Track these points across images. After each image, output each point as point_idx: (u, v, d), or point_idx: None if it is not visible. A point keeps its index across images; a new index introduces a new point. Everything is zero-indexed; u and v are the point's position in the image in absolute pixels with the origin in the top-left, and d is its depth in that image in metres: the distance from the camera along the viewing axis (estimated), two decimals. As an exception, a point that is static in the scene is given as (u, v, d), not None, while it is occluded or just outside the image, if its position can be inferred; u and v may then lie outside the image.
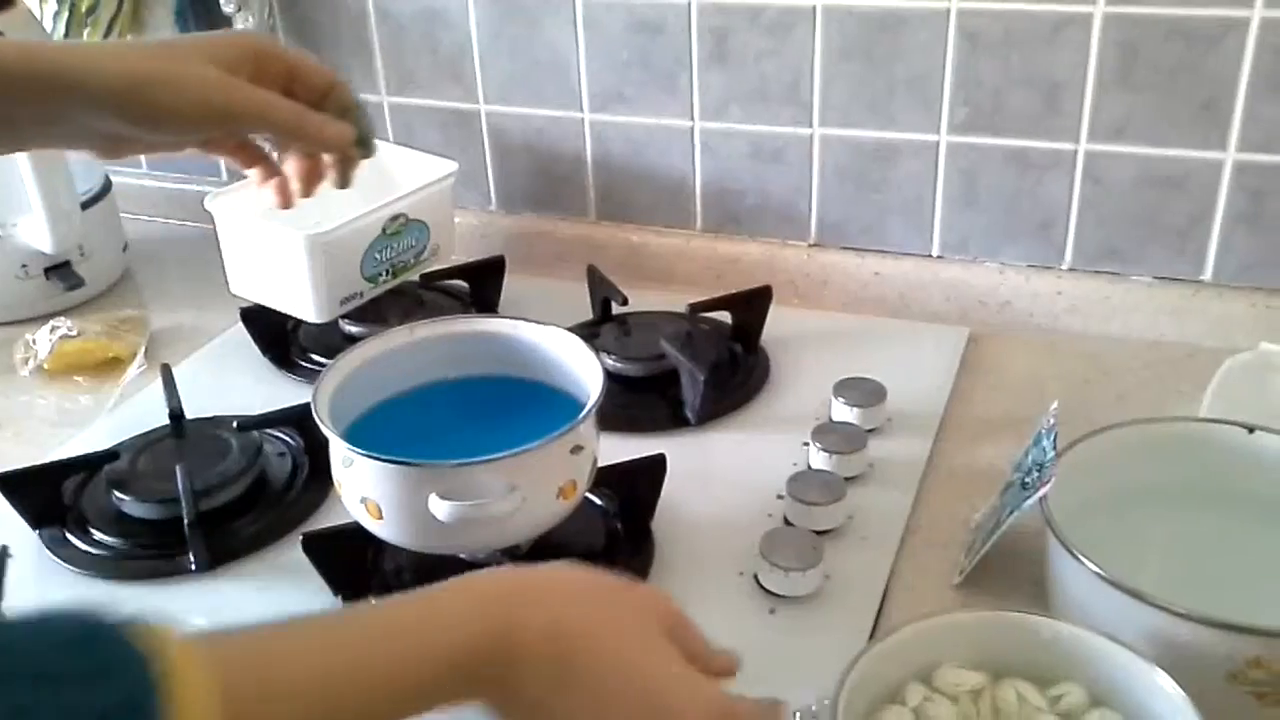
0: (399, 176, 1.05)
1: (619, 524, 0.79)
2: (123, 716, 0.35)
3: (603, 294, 1.05)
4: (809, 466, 0.84)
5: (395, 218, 1.01)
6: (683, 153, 1.13)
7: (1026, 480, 0.73)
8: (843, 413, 0.89)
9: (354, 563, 0.76)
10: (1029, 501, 0.70)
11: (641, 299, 1.06)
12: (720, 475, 0.87)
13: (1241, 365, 0.90)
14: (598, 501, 0.80)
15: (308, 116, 0.71)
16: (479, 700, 0.48)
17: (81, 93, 0.65)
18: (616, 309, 1.04)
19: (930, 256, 1.08)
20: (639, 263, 1.16)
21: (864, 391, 0.90)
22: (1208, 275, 1.00)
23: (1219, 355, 0.91)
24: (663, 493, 0.80)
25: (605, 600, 0.51)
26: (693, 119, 1.10)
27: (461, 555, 0.75)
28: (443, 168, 1.06)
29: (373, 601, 0.49)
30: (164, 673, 0.36)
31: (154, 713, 0.36)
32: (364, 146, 0.75)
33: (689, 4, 1.05)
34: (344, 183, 0.77)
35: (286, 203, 0.76)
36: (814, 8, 1.01)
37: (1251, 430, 0.75)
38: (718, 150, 1.11)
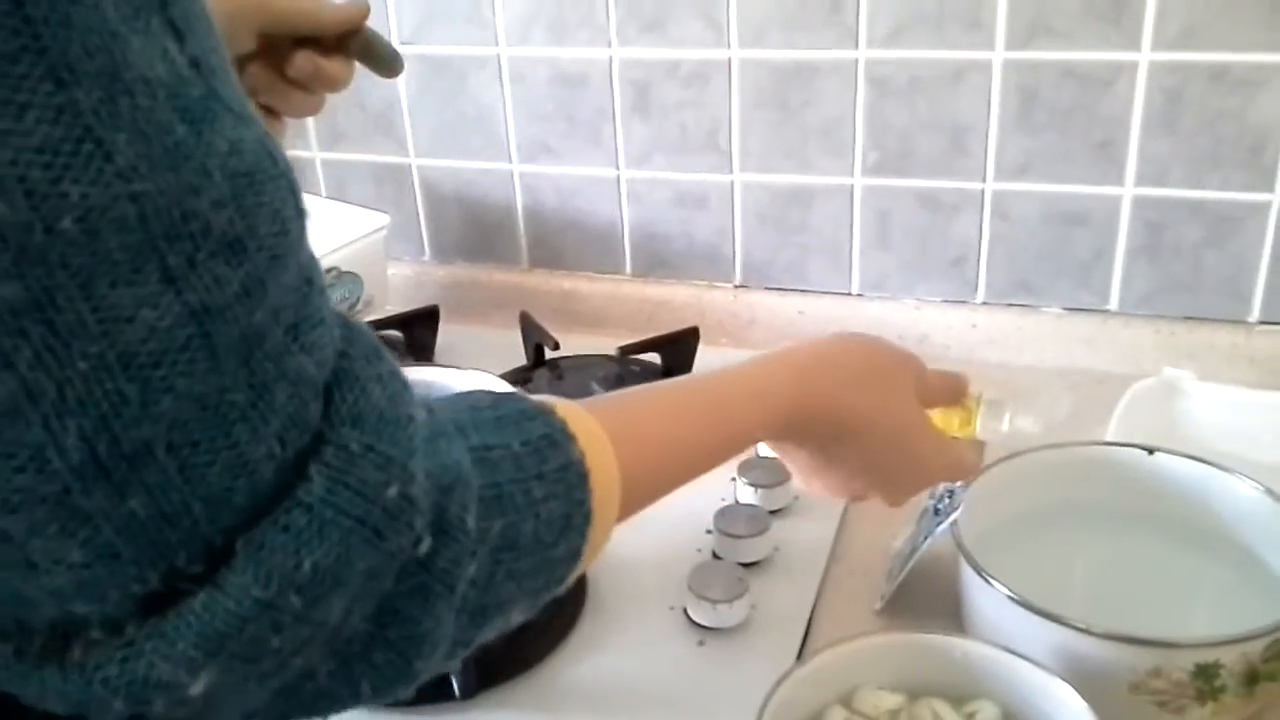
0: (331, 230, 1.07)
1: (552, 564, 0.81)
2: (546, 447, 0.45)
3: (535, 339, 1.07)
4: (736, 501, 0.87)
5: (328, 271, 1.03)
6: (610, 201, 1.16)
7: (939, 506, 0.76)
8: (768, 447, 0.92)
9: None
10: (941, 527, 0.73)
11: (575, 343, 1.08)
12: (650, 512, 0.88)
13: (1146, 390, 0.94)
14: (531, 543, 0.82)
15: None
16: (774, 440, 0.65)
17: None
18: (549, 354, 1.07)
19: (850, 294, 1.11)
20: (572, 308, 1.19)
21: (788, 427, 0.93)
22: (1113, 305, 1.05)
23: (1127, 381, 0.95)
24: (595, 532, 0.82)
25: (877, 384, 0.65)
26: (618, 168, 1.14)
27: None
28: (374, 221, 1.08)
29: (700, 375, 0.61)
30: (568, 424, 0.46)
31: (568, 444, 0.45)
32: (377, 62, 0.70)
33: (610, 58, 1.09)
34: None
35: None
36: (729, 60, 1.05)
37: (1151, 452, 0.79)
38: (643, 197, 1.15)
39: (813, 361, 0.63)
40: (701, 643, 0.75)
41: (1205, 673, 0.63)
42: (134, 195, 0.30)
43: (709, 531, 0.84)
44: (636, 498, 0.51)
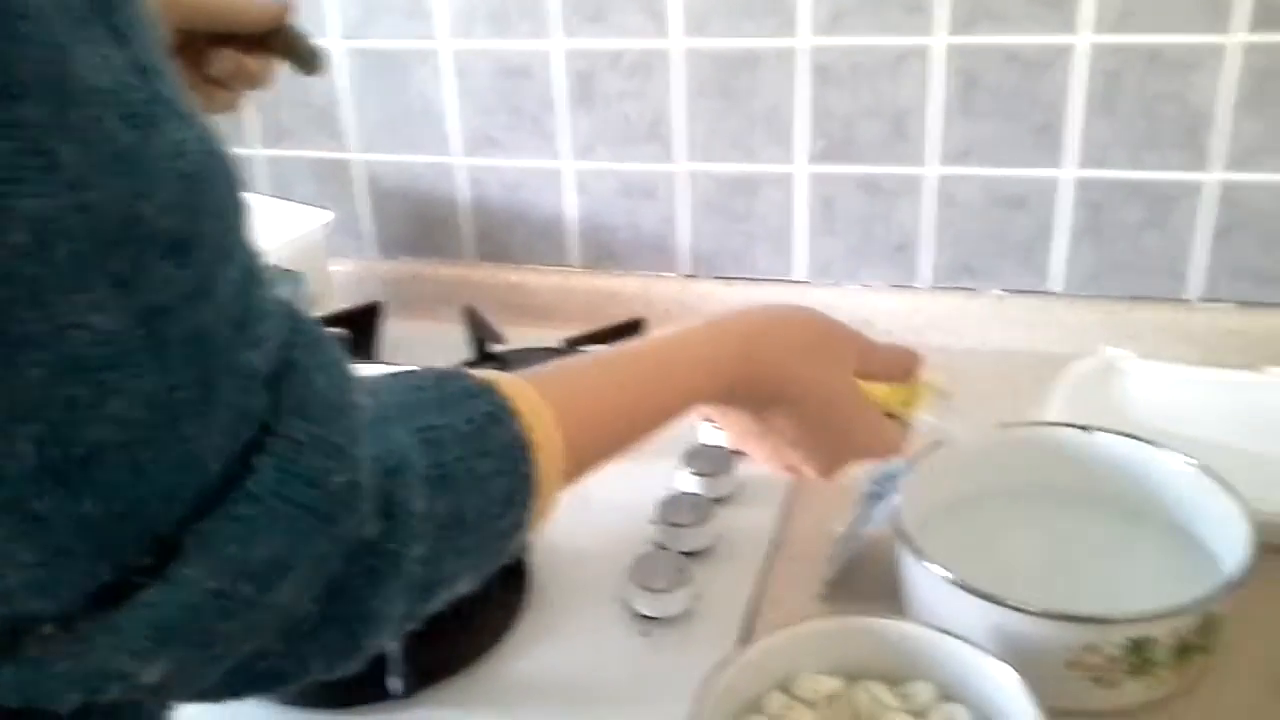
0: (272, 228, 1.06)
1: (496, 558, 0.81)
2: (490, 424, 0.46)
3: (480, 334, 1.06)
4: (680, 490, 0.87)
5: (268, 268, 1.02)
6: (555, 192, 1.15)
7: (879, 490, 0.76)
8: (712, 436, 0.92)
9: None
10: (880, 511, 0.73)
11: (523, 337, 1.08)
12: (595, 504, 0.88)
13: (1085, 369, 0.95)
14: (474, 537, 0.81)
15: None
16: (715, 404, 0.65)
17: None
18: (496, 348, 1.06)
19: (796, 281, 1.12)
20: (520, 301, 1.19)
21: (734, 415, 0.93)
22: (1056, 286, 1.06)
23: (1069, 361, 0.96)
24: (539, 525, 0.82)
25: (816, 355, 0.66)
26: (563, 160, 1.13)
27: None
28: (315, 217, 1.07)
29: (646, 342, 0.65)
30: (511, 400, 0.48)
31: (511, 420, 0.47)
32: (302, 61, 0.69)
33: (552, 49, 1.08)
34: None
35: None
36: (670, 50, 1.05)
37: (1088, 430, 0.80)
38: (589, 189, 1.14)
39: (757, 328, 0.65)
40: (645, 633, 0.75)
41: (1139, 647, 0.64)
42: (83, 205, 0.30)
43: (653, 522, 0.84)
44: (582, 465, 0.53)
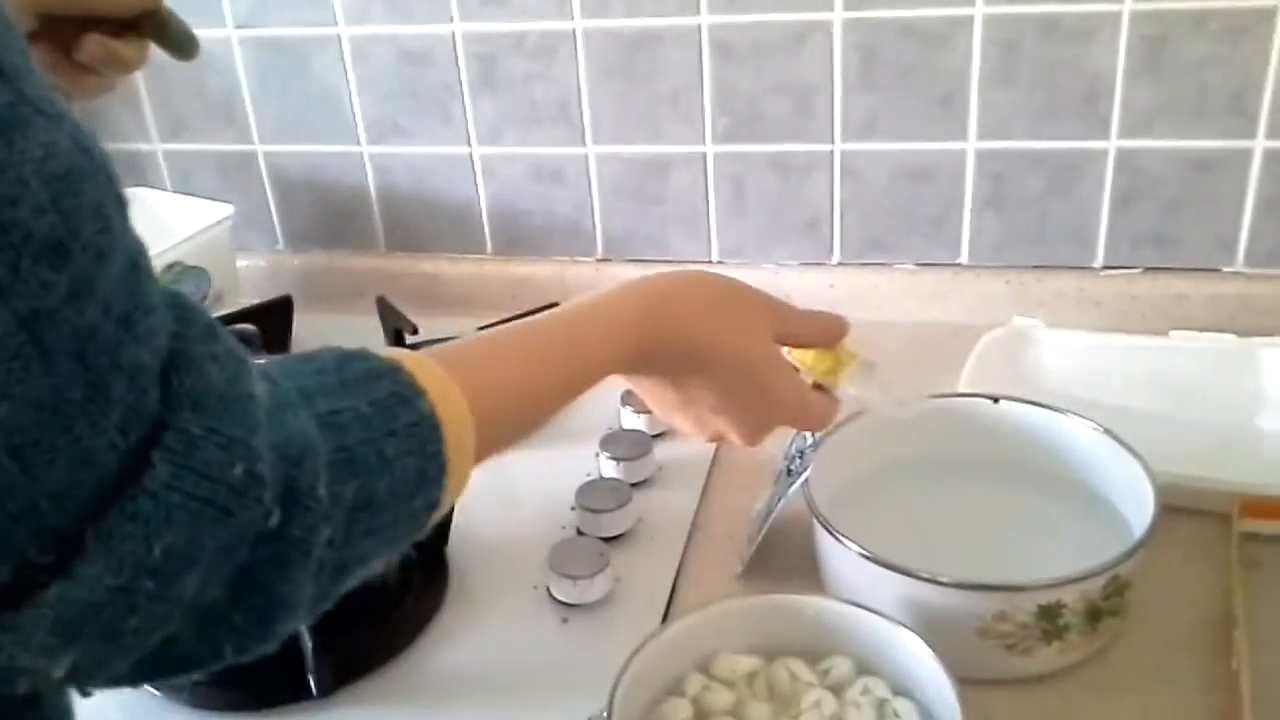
0: (175, 224, 1.03)
1: (413, 551, 0.80)
2: (395, 404, 0.46)
3: (393, 325, 1.05)
4: (599, 475, 0.86)
5: (170, 266, 1.00)
6: (465, 179, 1.14)
7: (792, 467, 0.76)
8: (631, 420, 0.92)
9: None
10: (793, 488, 0.73)
11: (438, 326, 1.06)
12: (515, 493, 0.89)
13: (996, 340, 0.96)
14: (391, 532, 0.80)
15: None
16: (628, 373, 0.65)
17: None
18: (411, 339, 1.05)
19: (711, 262, 1.11)
20: (435, 291, 1.17)
21: (650, 398, 0.92)
22: (964, 258, 1.07)
23: (980, 332, 0.97)
24: (457, 516, 0.81)
25: (726, 316, 0.65)
26: (470, 145, 1.12)
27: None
28: (217, 211, 1.05)
29: (550, 313, 0.62)
30: (416, 379, 0.47)
31: (417, 400, 0.47)
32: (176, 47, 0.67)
33: (453, 33, 1.07)
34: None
35: None
36: (573, 30, 1.04)
37: (996, 400, 0.81)
38: (499, 174, 1.13)
39: (659, 290, 0.64)
40: (565, 620, 0.75)
41: (1048, 613, 0.65)
42: None
43: (572, 508, 0.83)
44: (494, 442, 0.53)
